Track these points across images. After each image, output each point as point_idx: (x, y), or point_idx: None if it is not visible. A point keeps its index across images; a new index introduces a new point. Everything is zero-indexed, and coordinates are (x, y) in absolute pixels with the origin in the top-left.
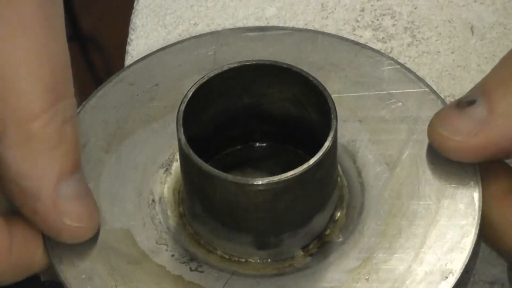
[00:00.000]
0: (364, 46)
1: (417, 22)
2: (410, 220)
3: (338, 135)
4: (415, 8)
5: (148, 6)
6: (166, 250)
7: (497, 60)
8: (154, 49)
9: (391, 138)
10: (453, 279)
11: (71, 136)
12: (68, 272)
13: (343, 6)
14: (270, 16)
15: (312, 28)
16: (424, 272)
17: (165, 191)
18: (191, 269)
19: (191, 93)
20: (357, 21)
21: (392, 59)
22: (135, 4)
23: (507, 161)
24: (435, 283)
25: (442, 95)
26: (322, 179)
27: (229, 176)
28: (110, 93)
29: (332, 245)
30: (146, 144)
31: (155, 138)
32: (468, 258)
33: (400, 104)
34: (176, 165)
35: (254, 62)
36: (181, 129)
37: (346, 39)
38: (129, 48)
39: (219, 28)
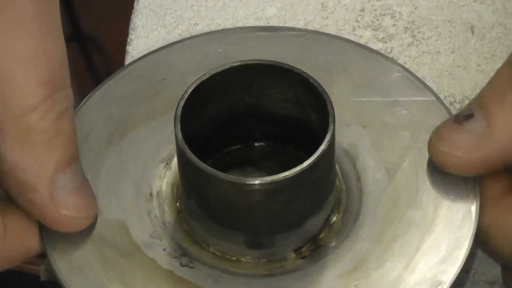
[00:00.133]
0: (374, 51)
1: (417, 22)
2: (406, 228)
3: (340, 138)
4: (415, 8)
5: (148, 6)
6: (159, 244)
7: (497, 60)
8: (154, 49)
9: (393, 145)
10: None
11: (68, 128)
12: (60, 260)
13: (343, 6)
14: (270, 16)
15: (312, 28)
16: (414, 282)
17: (164, 185)
18: (181, 264)
19: (191, 89)
20: (357, 21)
21: (401, 66)
22: (135, 4)
23: None
24: None
25: (442, 95)
26: (317, 181)
27: (223, 175)
28: (116, 85)
29: (326, 249)
30: (149, 139)
31: (158, 133)
32: (459, 270)
33: (405, 112)
34: (176, 160)
35: (255, 62)
36: (178, 125)
37: (359, 44)
38: (129, 48)
39: (219, 28)
